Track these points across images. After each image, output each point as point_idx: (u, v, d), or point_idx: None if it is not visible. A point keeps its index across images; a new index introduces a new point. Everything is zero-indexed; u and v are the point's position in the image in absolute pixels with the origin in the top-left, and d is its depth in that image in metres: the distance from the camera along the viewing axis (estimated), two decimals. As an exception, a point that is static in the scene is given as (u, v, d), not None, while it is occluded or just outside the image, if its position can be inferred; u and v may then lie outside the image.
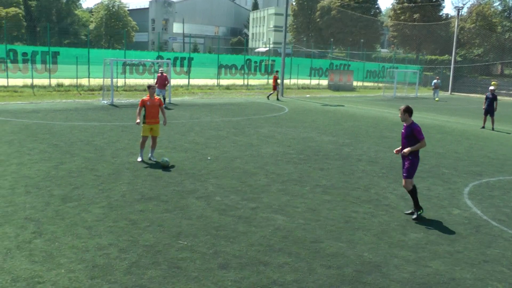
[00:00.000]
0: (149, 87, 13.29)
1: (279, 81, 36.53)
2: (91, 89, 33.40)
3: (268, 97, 35.91)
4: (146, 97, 13.20)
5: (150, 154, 13.21)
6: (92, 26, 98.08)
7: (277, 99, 35.75)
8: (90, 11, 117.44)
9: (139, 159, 13.09)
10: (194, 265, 6.91)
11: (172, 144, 15.58)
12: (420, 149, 9.92)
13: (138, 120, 12.95)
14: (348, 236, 8.38)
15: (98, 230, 7.99)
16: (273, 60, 49.30)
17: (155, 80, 26.90)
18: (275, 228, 8.56)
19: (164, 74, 26.55)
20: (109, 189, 10.36)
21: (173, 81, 35.62)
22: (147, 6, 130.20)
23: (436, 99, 44.43)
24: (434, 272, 7.26)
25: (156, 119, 13.05)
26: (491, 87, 26.15)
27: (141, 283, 6.32)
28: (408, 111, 9.87)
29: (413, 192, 9.69)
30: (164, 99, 25.43)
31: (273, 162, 13.85)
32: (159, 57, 39.04)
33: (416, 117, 27.96)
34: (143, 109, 13.02)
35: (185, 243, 7.66)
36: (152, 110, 12.98)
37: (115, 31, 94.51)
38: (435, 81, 46.58)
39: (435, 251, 8.07)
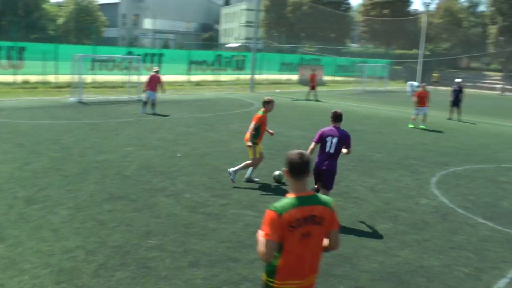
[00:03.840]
0: (269, 102, 11.25)
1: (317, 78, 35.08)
2: (58, 86, 32.66)
3: (313, 98, 34.45)
4: (261, 113, 11.30)
5: (251, 174, 11.55)
6: (60, 20, 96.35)
7: (316, 99, 34.18)
8: (59, 5, 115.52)
9: (255, 178, 11.57)
10: (164, 264, 6.83)
11: (141, 142, 15.41)
12: (352, 145, 9.31)
13: (249, 143, 11.21)
14: (317, 230, 8.39)
15: (65, 233, 7.81)
16: (244, 56, 49.20)
17: (147, 80, 22.74)
18: (245, 224, 8.53)
19: (158, 74, 23.28)
20: (77, 189, 10.18)
21: (143, 77, 35.28)
22: (118, 0, 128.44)
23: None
24: (402, 261, 7.35)
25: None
26: (457, 80, 26.74)
27: (109, 286, 6.20)
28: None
29: None
30: (154, 104, 22.27)
31: (243, 158, 13.72)
32: (129, 53, 38.56)
33: (384, 110, 28.37)
34: (259, 128, 11.30)
35: (154, 242, 7.57)
36: (264, 128, 11.54)
37: (84, 26, 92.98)
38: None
39: (403, 240, 8.17)
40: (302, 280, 4.02)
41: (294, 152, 4.03)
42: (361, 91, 45.37)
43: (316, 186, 9.04)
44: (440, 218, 9.40)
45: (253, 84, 39.08)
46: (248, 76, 42.51)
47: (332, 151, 8.86)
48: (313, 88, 34.31)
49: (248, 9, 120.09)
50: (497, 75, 67.79)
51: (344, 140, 8.93)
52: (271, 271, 4.01)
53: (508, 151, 17.38)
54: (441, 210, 9.95)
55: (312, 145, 8.91)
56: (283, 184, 11.32)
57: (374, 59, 65.46)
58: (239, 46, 79.15)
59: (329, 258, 7.22)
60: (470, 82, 62.48)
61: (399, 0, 77.29)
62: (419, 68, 60.82)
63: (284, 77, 52.04)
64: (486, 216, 9.80)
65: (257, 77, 45.45)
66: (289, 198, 3.98)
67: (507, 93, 55.98)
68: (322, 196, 4.15)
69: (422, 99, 22.63)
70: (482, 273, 7.16)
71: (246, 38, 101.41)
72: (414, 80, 54.52)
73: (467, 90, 39.26)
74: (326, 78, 55.02)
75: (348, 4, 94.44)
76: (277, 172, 11.51)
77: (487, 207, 10.44)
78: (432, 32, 73.86)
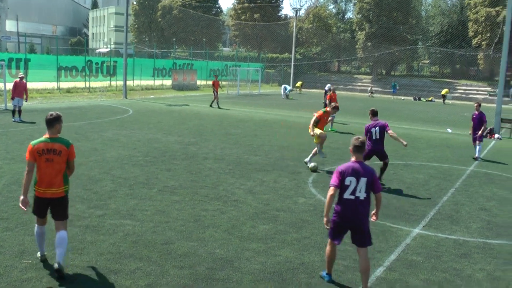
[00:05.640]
0: (336, 107, 14.98)
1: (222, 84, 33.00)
2: None
3: (212, 105, 33.06)
4: (324, 111, 14.65)
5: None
6: None
7: (218, 106, 32.68)
8: None
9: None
10: (41, 284, 6.46)
11: (10, 155, 14.46)
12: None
13: (312, 133, 14.45)
14: (198, 235, 8.41)
15: None
16: (115, 61, 47.98)
17: (13, 87, 22.06)
18: (125, 234, 8.33)
19: (23, 81, 22.94)
20: None
21: (9, 85, 33.28)
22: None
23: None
24: (284, 260, 7.56)
25: None
26: (328, 85, 28.24)
27: (-21, 309, 5.79)
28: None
29: None
30: (20, 111, 21.79)
31: (119, 166, 13.48)
32: (-8, 58, 36.03)
33: (259, 113, 29.03)
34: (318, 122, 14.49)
35: (30, 261, 7.15)
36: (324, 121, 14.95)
37: None
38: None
39: (284, 240, 8.41)
40: (49, 188, 6.70)
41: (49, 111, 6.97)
42: (235, 95, 46.02)
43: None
44: (318, 216, 9.78)
45: (126, 90, 38.26)
46: (120, 82, 41.55)
47: (378, 137, 12.40)
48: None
49: (117, 13, 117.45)
50: (367, 78, 72.02)
51: (384, 127, 12.43)
52: (35, 182, 6.74)
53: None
54: (318, 208, 10.37)
55: (363, 137, 11.68)
56: (317, 172, 14.02)
57: (247, 63, 66.78)
58: (109, 51, 76.88)
59: (211, 263, 7.28)
60: (342, 85, 66.33)
61: (270, 5, 79.35)
62: (291, 71, 62.96)
63: (157, 82, 51.50)
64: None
65: (130, 83, 44.65)
66: (42, 138, 6.80)
67: (376, 95, 59.56)
68: (63, 139, 6.90)
69: (333, 101, 23.83)
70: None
71: (117, 43, 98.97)
72: (288, 83, 56.39)
73: (339, 93, 41.26)
74: (200, 82, 55.23)
75: (219, 8, 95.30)
76: (311, 164, 14.17)
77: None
78: (302, 37, 76.80)
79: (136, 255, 7.46)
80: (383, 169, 12.78)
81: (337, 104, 15.23)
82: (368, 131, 12.48)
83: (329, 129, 23.08)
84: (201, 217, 9.36)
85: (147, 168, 13.36)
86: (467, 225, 9.97)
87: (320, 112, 14.54)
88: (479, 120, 17.97)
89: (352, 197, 6.49)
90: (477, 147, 17.77)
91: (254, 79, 56.68)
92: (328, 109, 14.67)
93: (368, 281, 6.65)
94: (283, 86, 48.44)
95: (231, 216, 9.51)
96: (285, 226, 9.10)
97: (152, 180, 12.07)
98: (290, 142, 18.79)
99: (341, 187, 6.49)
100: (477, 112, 18.12)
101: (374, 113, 12.82)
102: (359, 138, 6.69)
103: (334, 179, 6.51)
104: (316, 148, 14.46)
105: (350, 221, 6.56)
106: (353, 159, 6.68)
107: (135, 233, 8.37)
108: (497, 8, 60.26)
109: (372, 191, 6.60)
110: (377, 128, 12.40)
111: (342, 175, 6.49)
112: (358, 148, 6.65)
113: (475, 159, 17.57)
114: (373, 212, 6.81)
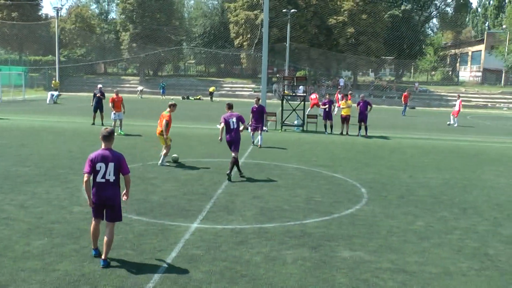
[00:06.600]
0: (175, 105, 16.16)
1: None
2: None
3: None
4: (168, 113, 15.76)
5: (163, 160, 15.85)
6: None
7: None
8: None
9: (166, 163, 15.93)
10: None
11: None
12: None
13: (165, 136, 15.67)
14: (-35, 264, 7.65)
15: None
16: None
17: None
18: None
19: None
20: None
21: None
22: None
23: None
24: (63, 274, 7.27)
25: None
26: (99, 85, 27.68)
27: None
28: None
29: None
30: None
31: None
32: None
33: (26, 121, 27.30)
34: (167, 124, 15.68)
35: None
36: (171, 124, 16.07)
37: None
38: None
39: (61, 253, 8.08)
40: None
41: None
42: (-2, 102, 42.55)
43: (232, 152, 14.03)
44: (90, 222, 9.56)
45: None
46: None
47: (235, 127, 13.88)
48: None
49: None
50: (135, 79, 71.85)
51: (239, 118, 14.00)
52: None
53: (153, 149, 18.53)
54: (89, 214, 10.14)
55: (222, 125, 14.11)
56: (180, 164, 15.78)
57: (8, 66, 62.26)
58: None
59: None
60: (110, 87, 65.40)
61: (29, 3, 74.19)
62: (56, 74, 60.14)
63: None
64: (139, 212, 10.43)
65: None
66: None
67: (145, 96, 59.81)
68: None
69: (117, 104, 23.19)
70: (143, 266, 7.66)
71: None
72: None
73: (108, 95, 40.46)
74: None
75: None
76: (172, 157, 16.11)
77: (139, 203, 11.09)
78: (66, 38, 73.63)
79: None
80: (235, 163, 14.00)
81: (173, 103, 16.17)
82: (226, 121, 13.93)
83: (119, 131, 22.87)
84: (-33, 243, 8.52)
85: None
86: (242, 213, 10.70)
87: (168, 114, 15.63)
88: (259, 113, 20.81)
89: (103, 180, 7.53)
90: (259, 136, 20.62)
91: (17, 84, 52.91)
92: (169, 110, 15.75)
93: (108, 252, 7.69)
94: (49, 92, 46.25)
95: (2, 236, 8.81)
96: (62, 238, 8.76)
97: None
98: (60, 150, 18.05)
99: (93, 172, 7.49)
100: (257, 106, 20.93)
101: (230, 107, 14.36)
102: (107, 128, 7.81)
103: (86, 167, 7.48)
104: (165, 151, 15.71)
105: (105, 200, 7.59)
106: (102, 146, 7.67)
107: None
108: (255, 12, 64.96)
109: (121, 174, 7.68)
110: (234, 119, 13.88)
111: (93, 162, 7.48)
112: (105, 137, 7.65)
113: (258, 146, 20.44)
114: (124, 192, 7.86)
